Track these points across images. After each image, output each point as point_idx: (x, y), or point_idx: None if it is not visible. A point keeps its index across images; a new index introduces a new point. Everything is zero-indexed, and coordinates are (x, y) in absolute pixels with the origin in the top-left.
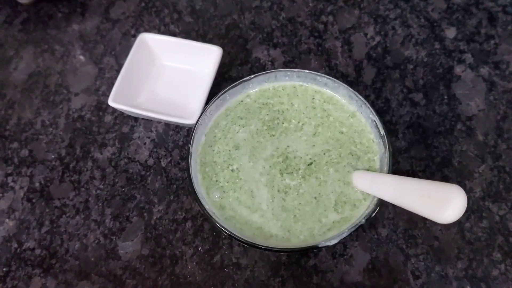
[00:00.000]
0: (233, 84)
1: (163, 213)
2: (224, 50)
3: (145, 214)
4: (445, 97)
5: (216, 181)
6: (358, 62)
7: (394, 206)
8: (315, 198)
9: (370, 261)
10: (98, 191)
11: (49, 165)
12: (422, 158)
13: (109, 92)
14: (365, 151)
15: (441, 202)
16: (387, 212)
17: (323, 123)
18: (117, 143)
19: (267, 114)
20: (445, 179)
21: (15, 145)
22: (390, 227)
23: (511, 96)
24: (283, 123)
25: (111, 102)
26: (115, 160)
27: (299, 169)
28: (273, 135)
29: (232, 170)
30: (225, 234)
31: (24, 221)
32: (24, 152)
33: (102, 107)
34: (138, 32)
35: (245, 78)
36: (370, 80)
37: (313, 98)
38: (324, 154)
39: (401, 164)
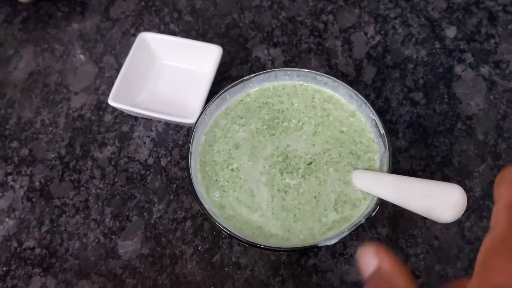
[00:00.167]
0: (233, 83)
1: (163, 213)
2: (224, 49)
3: (145, 214)
4: (445, 96)
5: (216, 180)
6: (358, 62)
7: (394, 205)
8: (315, 197)
9: None
10: (98, 190)
11: (49, 164)
12: (422, 158)
13: (109, 91)
14: (365, 150)
15: (441, 202)
16: (387, 212)
17: (323, 123)
18: (117, 142)
19: (267, 114)
20: (445, 178)
21: (15, 144)
22: (390, 226)
23: (511, 95)
24: (283, 122)
25: (111, 101)
26: (115, 160)
27: (299, 168)
28: (273, 135)
29: (232, 170)
30: (225, 233)
31: (24, 220)
32: (24, 151)
33: (102, 106)
34: (138, 31)
35: (245, 77)
36: (370, 80)
37: (313, 98)
38: (324, 153)
39: (401, 164)
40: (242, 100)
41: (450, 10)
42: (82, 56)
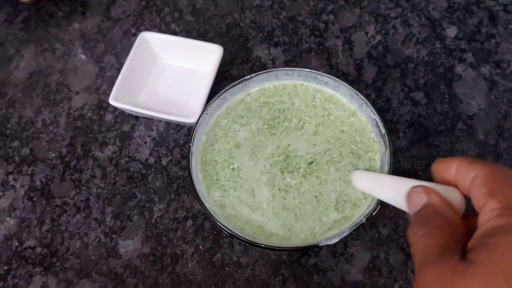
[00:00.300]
0: (233, 83)
1: (163, 212)
2: (224, 49)
3: (146, 213)
4: (446, 96)
5: (217, 180)
6: (359, 61)
7: None
8: (316, 197)
9: (371, 260)
10: (99, 190)
11: (50, 164)
12: (423, 157)
13: (110, 91)
14: (365, 150)
15: None
16: (388, 211)
17: (324, 122)
18: (117, 142)
19: (268, 113)
20: None
21: (16, 143)
22: (391, 226)
23: None
24: (283, 122)
25: (112, 101)
26: (116, 159)
27: (300, 168)
28: (274, 134)
29: (233, 169)
30: (226, 233)
31: (25, 220)
32: (25, 151)
33: (103, 105)
34: (139, 31)
35: (245, 77)
36: (371, 79)
37: (314, 97)
38: (325, 153)
39: (402, 163)
40: (243, 100)
41: (451, 10)
42: (83, 56)
